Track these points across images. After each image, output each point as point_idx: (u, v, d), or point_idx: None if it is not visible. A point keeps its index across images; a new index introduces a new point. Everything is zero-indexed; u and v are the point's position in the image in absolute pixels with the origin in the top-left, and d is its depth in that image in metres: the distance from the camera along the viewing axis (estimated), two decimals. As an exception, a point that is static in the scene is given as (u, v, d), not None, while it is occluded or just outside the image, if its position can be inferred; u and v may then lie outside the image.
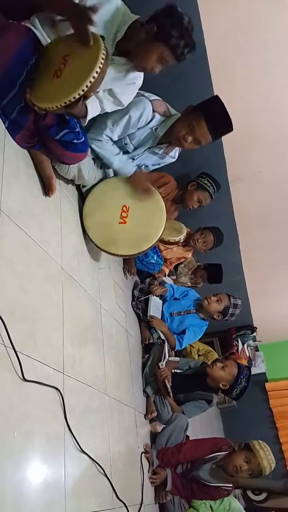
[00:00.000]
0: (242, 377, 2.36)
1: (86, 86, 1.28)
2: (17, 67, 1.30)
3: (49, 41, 1.46)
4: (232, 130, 1.90)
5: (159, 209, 1.99)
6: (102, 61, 1.29)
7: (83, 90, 1.29)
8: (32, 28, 1.42)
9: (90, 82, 1.28)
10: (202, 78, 2.20)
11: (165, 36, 1.53)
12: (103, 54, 1.30)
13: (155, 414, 2.36)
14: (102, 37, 1.35)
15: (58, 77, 1.34)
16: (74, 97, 1.30)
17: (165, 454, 2.18)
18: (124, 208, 1.97)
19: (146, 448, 2.13)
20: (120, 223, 1.95)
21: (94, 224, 1.95)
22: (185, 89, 2.07)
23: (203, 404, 2.45)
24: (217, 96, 1.93)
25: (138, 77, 1.73)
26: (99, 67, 1.28)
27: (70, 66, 1.34)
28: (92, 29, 1.43)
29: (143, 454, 2.06)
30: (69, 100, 1.30)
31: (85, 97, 1.33)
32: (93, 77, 1.28)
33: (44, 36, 1.45)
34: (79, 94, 1.29)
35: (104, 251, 1.96)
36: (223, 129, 1.91)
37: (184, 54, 1.60)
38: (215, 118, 1.86)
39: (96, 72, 1.28)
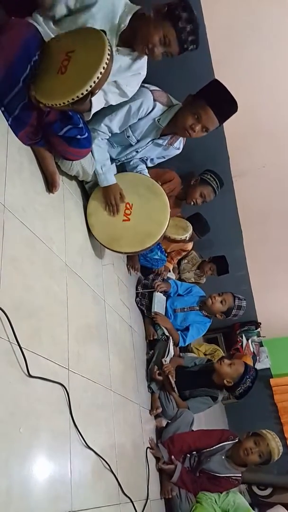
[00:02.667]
0: (247, 377, 2.37)
1: (94, 82, 1.28)
2: (20, 64, 1.30)
3: (52, 36, 1.45)
4: (237, 109, 1.87)
5: (163, 205, 1.97)
6: (108, 57, 1.28)
7: (90, 86, 1.28)
8: (35, 24, 1.42)
9: (97, 77, 1.28)
10: (205, 72, 2.19)
11: (174, 17, 1.51)
12: (109, 49, 1.29)
13: (160, 410, 2.36)
14: (103, 31, 1.34)
15: (62, 73, 1.33)
16: (82, 93, 1.29)
17: (175, 440, 2.20)
18: (128, 206, 1.97)
19: (151, 443, 2.14)
20: (123, 220, 1.95)
21: (98, 222, 1.95)
22: (187, 82, 2.05)
23: (208, 400, 2.46)
24: (215, 79, 1.91)
25: (142, 67, 1.71)
26: (106, 63, 1.28)
27: (74, 62, 1.33)
28: (93, 20, 1.44)
29: (148, 450, 2.07)
30: (77, 97, 1.30)
31: (92, 93, 1.32)
32: (100, 73, 1.28)
33: (47, 32, 1.44)
34: (87, 90, 1.29)
35: (109, 249, 1.97)
36: (229, 110, 1.87)
37: (187, 42, 1.56)
38: (219, 101, 1.84)
39: (103, 67, 1.28)
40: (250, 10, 2.03)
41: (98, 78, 1.27)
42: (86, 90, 1.29)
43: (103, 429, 1.59)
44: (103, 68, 1.27)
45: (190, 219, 3.02)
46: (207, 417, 3.70)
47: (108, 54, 1.28)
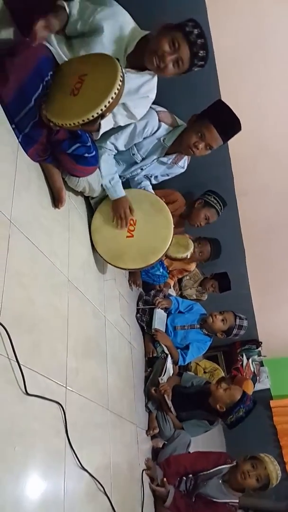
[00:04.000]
0: (242, 406, 2.26)
1: (105, 106, 1.31)
2: (33, 83, 1.33)
3: (65, 58, 1.48)
4: (240, 129, 1.89)
5: (167, 222, 1.98)
6: (120, 83, 1.31)
7: (101, 110, 1.31)
8: (48, 45, 1.45)
9: (108, 102, 1.31)
10: (211, 93, 2.21)
11: (181, 25, 1.53)
12: (121, 75, 1.32)
13: (157, 431, 2.32)
14: (117, 59, 1.37)
15: (75, 95, 1.36)
16: (93, 116, 1.32)
17: (172, 462, 2.16)
18: (131, 222, 1.97)
19: (147, 464, 2.10)
20: (127, 236, 1.96)
21: (102, 239, 1.96)
22: (193, 103, 2.08)
23: (205, 424, 2.40)
24: (220, 100, 1.94)
25: (151, 91, 1.74)
26: (117, 88, 1.31)
27: (87, 85, 1.37)
28: (101, 45, 1.46)
29: (144, 471, 2.03)
30: (87, 119, 1.32)
31: (102, 116, 1.35)
32: (112, 97, 1.31)
33: (59, 54, 1.47)
34: (97, 113, 1.32)
35: (112, 265, 1.97)
36: (232, 129, 1.89)
37: (197, 45, 1.54)
38: (223, 120, 1.86)
39: (115, 93, 1.31)
40: (257, 32, 2.07)
41: (109, 102, 1.30)
42: (97, 113, 1.32)
43: (98, 449, 1.57)
44: (115, 93, 1.31)
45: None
46: (204, 438, 3.63)
47: (120, 81, 1.32)
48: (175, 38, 1.51)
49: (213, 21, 1.92)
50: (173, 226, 1.98)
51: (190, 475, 2.23)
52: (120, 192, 1.93)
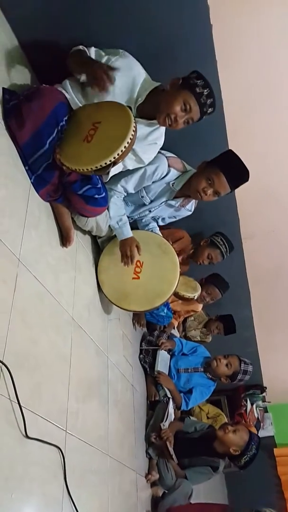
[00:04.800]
0: (253, 443, 2.25)
1: (118, 154, 1.36)
2: (48, 127, 1.39)
3: (79, 104, 1.56)
4: (248, 180, 1.94)
5: (173, 265, 1.99)
6: (133, 132, 1.37)
7: (114, 158, 1.37)
8: (64, 92, 1.52)
9: (121, 150, 1.36)
10: (219, 141, 2.28)
11: (191, 85, 1.59)
12: (134, 125, 1.38)
13: (156, 477, 2.23)
14: (129, 107, 1.44)
15: (88, 141, 1.42)
16: (106, 163, 1.37)
17: None
18: (138, 263, 1.99)
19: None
20: (133, 278, 1.97)
21: (108, 279, 1.98)
22: (201, 153, 2.15)
23: (208, 471, 2.31)
24: (230, 150, 2.01)
25: (159, 138, 1.80)
26: (130, 138, 1.37)
27: (101, 132, 1.43)
28: (113, 95, 1.53)
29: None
30: (100, 165, 1.37)
31: (114, 163, 1.40)
32: (125, 146, 1.36)
33: (74, 100, 1.54)
34: (110, 161, 1.37)
35: (117, 306, 1.97)
36: (241, 178, 1.94)
37: (207, 105, 1.62)
38: (233, 169, 1.92)
39: (128, 142, 1.37)
40: (265, 82, 2.15)
41: (122, 151, 1.36)
42: (110, 161, 1.37)
43: (96, 497, 1.51)
44: (128, 142, 1.36)
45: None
46: (206, 487, 3.48)
47: (133, 131, 1.38)
48: (187, 101, 1.59)
49: (222, 71, 2.00)
50: (179, 269, 1.99)
51: (191, 530, 2.12)
52: (128, 233, 1.96)
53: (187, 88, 1.59)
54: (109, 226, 1.97)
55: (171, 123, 1.63)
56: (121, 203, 1.98)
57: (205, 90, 1.60)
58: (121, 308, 1.97)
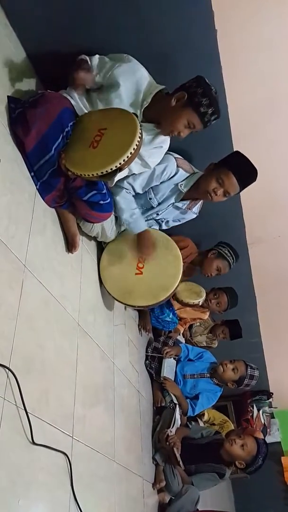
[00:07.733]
0: (260, 456, 2.23)
1: (123, 160, 1.37)
2: (54, 133, 1.40)
3: (84, 110, 1.57)
4: (256, 179, 1.95)
5: (175, 259, 1.99)
6: (139, 139, 1.38)
7: (120, 163, 1.37)
8: (69, 98, 1.54)
9: (127, 157, 1.37)
10: (225, 147, 2.29)
11: (196, 104, 1.61)
12: (140, 132, 1.39)
13: (163, 484, 2.22)
14: (135, 114, 1.45)
15: (94, 147, 1.43)
16: (111, 169, 1.38)
17: None
18: (141, 259, 1.98)
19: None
20: (136, 274, 1.96)
21: (110, 276, 1.97)
22: (208, 157, 2.15)
23: (214, 477, 2.30)
24: (237, 151, 2.02)
25: (165, 141, 1.81)
26: (136, 144, 1.38)
27: (106, 139, 1.43)
28: (119, 100, 1.54)
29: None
30: (106, 171, 1.38)
31: (120, 169, 1.40)
32: (131, 153, 1.37)
33: (79, 106, 1.56)
34: (116, 167, 1.38)
35: (122, 303, 1.96)
36: (250, 177, 1.95)
37: (210, 121, 1.67)
38: (241, 168, 1.93)
39: (134, 148, 1.37)
40: (270, 91, 2.16)
41: (128, 157, 1.36)
42: (115, 167, 1.37)
43: (103, 503, 1.50)
44: (134, 148, 1.37)
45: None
46: (212, 494, 3.45)
47: (139, 137, 1.38)
48: (190, 120, 1.63)
49: (227, 79, 2.01)
50: (182, 263, 1.98)
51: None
52: (144, 225, 1.95)
53: (191, 107, 1.61)
54: (114, 231, 1.98)
55: (176, 135, 1.69)
56: (130, 197, 1.94)
57: (210, 109, 1.62)
58: (125, 304, 1.96)
